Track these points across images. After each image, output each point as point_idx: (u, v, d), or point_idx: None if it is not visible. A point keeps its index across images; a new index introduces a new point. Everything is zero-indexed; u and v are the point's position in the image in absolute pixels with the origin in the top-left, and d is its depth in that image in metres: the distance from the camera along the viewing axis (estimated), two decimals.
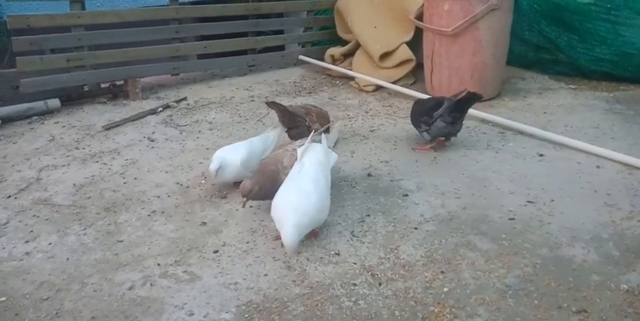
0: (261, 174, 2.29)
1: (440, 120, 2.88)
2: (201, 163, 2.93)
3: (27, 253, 2.13)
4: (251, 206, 2.41)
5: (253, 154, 2.56)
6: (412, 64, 4.41)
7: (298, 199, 2.01)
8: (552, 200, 2.41)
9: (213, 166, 2.44)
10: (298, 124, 2.97)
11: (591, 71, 4.21)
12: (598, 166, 2.73)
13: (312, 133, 2.43)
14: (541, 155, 2.90)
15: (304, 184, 2.08)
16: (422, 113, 3.02)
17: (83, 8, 4.03)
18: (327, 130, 2.81)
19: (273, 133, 2.83)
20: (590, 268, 1.94)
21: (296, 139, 2.95)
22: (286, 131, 3.00)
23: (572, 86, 4.15)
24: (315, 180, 2.12)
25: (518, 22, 4.18)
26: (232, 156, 2.49)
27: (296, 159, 2.25)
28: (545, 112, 3.59)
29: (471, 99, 2.89)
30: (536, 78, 4.41)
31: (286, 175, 2.22)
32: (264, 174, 2.29)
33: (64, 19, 3.92)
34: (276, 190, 2.16)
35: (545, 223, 2.23)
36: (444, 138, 3.03)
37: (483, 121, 3.44)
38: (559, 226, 2.20)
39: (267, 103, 2.95)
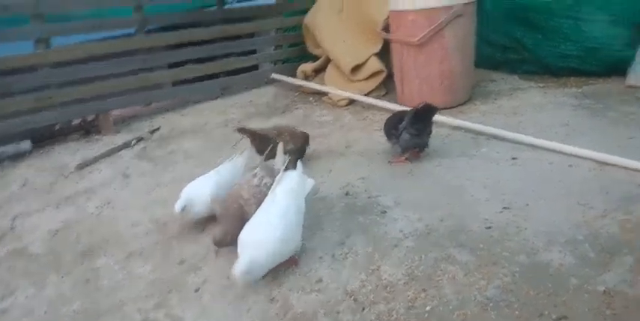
0: (225, 218, 2.25)
1: (405, 132, 2.92)
2: (176, 196, 2.90)
3: (3, 311, 2.10)
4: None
5: (222, 185, 2.53)
6: (383, 75, 4.45)
7: (262, 235, 2.01)
8: (527, 204, 2.43)
9: (177, 206, 2.39)
10: (271, 147, 2.96)
11: (559, 68, 4.26)
12: (570, 165, 2.76)
13: (283, 159, 2.42)
14: (514, 158, 2.92)
15: (272, 218, 2.07)
16: (391, 126, 3.08)
17: (48, 46, 4.01)
18: (272, 154, 2.74)
19: (240, 159, 2.79)
20: (568, 271, 1.95)
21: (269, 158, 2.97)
22: (260, 155, 2.96)
23: (541, 84, 4.19)
24: (285, 212, 2.11)
25: (483, 24, 4.23)
26: (200, 192, 2.46)
27: (255, 187, 2.26)
28: (515, 113, 3.62)
29: (428, 111, 2.93)
30: (505, 79, 4.45)
31: (250, 205, 2.22)
32: (228, 217, 2.25)
33: (31, 59, 3.88)
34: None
35: (522, 229, 2.24)
36: (417, 149, 3.05)
37: (456, 128, 3.46)
38: (535, 231, 2.21)
39: (237, 129, 2.95)
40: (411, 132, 2.92)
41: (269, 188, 2.26)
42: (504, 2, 4.36)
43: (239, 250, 2.03)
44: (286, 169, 2.35)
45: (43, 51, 3.96)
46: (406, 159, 3.06)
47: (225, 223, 2.23)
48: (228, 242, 2.20)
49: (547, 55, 4.27)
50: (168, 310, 2.00)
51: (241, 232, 2.07)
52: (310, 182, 2.39)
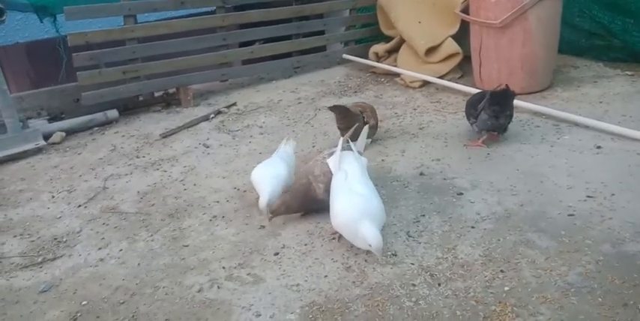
0: (291, 190, 2.38)
1: (483, 113, 2.91)
2: (254, 167, 3.00)
3: (101, 260, 2.28)
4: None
5: (290, 173, 2.57)
6: (459, 58, 4.37)
7: (363, 204, 2.04)
8: (613, 194, 2.36)
9: (262, 204, 2.35)
10: (356, 123, 2.99)
11: None
12: None
13: (341, 140, 2.43)
14: (598, 147, 2.83)
15: (360, 189, 2.11)
16: (470, 106, 3.07)
17: (136, 22, 4.20)
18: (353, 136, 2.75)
19: (289, 148, 2.76)
20: None
21: (351, 139, 3.04)
22: (342, 130, 3.03)
23: (629, 73, 3.99)
24: (366, 184, 2.15)
25: (568, 8, 4.05)
26: (276, 186, 2.42)
27: (327, 167, 2.31)
28: (600, 102, 3.48)
29: (505, 94, 2.89)
30: (589, 66, 4.26)
31: (320, 183, 2.30)
32: (293, 190, 2.37)
33: (119, 34, 4.10)
34: (308, 202, 2.31)
35: (607, 218, 2.19)
36: (495, 132, 3.00)
37: (536, 113, 3.37)
38: (621, 221, 2.15)
39: (329, 107, 3.02)
40: (489, 113, 2.89)
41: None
42: None
43: (336, 222, 2.10)
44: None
45: (131, 26, 4.15)
46: (483, 142, 3.02)
47: (284, 197, 2.35)
48: (282, 212, 2.34)
49: (637, 42, 4.03)
50: (250, 269, 2.10)
51: (333, 206, 2.11)
52: (364, 160, 2.41)
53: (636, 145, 2.79)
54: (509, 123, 3.00)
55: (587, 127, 3.07)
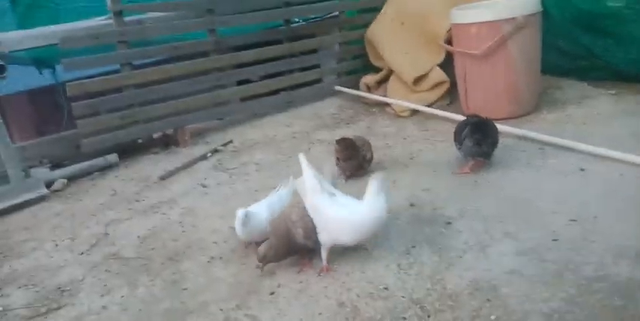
0: (273, 236, 2.34)
1: (466, 140, 3.03)
2: (250, 205, 3.09)
3: (104, 307, 2.35)
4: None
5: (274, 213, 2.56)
6: (446, 86, 4.50)
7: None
8: (595, 217, 2.42)
9: (239, 212, 2.44)
10: (355, 156, 3.21)
11: (632, 75, 4.14)
12: None
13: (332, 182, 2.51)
14: (582, 170, 2.90)
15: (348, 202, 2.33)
16: (457, 133, 3.19)
17: (132, 68, 4.36)
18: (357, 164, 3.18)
19: (285, 192, 2.74)
20: (637, 286, 1.94)
21: (351, 171, 3.25)
22: (341, 162, 3.24)
23: (612, 92, 4.09)
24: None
25: (550, 31, 4.19)
26: (257, 217, 2.50)
27: (304, 209, 2.33)
28: (584, 123, 3.57)
29: (484, 123, 3.02)
30: (574, 86, 4.37)
31: (297, 228, 2.32)
32: (276, 235, 2.33)
33: (116, 81, 4.26)
34: (292, 249, 2.35)
35: (589, 242, 2.25)
36: (481, 158, 3.10)
37: (522, 137, 3.46)
38: (603, 245, 2.21)
39: (337, 140, 3.23)
40: (472, 141, 3.02)
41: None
42: (571, 9, 4.28)
43: (330, 227, 2.27)
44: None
45: (127, 73, 4.32)
46: (470, 169, 3.12)
47: (270, 240, 2.32)
48: (270, 258, 2.32)
49: (619, 62, 4.14)
50: (246, 310, 2.16)
51: (325, 215, 2.28)
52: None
53: (619, 167, 2.86)
54: (493, 150, 3.11)
55: (571, 149, 3.15)
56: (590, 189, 2.69)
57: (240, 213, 2.45)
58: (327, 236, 2.30)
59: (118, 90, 4.29)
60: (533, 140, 3.40)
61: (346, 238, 2.30)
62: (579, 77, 4.48)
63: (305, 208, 2.36)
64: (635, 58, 4.06)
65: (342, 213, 2.27)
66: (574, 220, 2.43)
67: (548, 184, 2.82)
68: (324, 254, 2.34)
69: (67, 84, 3.99)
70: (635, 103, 3.80)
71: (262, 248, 2.31)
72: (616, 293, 1.92)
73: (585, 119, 3.64)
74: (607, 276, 2.03)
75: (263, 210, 2.57)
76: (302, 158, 2.41)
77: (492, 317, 1.91)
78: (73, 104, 4.03)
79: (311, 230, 2.32)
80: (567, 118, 3.73)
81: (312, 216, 2.31)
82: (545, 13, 3.95)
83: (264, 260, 2.32)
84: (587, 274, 2.05)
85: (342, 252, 2.48)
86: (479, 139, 2.99)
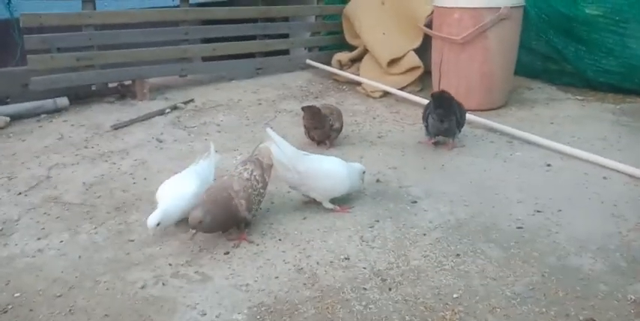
0: (211, 203, 2.08)
1: (430, 116, 3.07)
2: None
3: (39, 250, 2.15)
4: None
5: (202, 187, 2.27)
6: (420, 71, 4.45)
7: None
8: (560, 210, 2.43)
9: (150, 222, 2.07)
10: (323, 125, 3.13)
11: (598, 83, 4.24)
12: (605, 178, 2.75)
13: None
14: (548, 165, 2.92)
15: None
16: (425, 110, 3.21)
17: (94, 8, 4.06)
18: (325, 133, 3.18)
19: (207, 162, 2.51)
20: (598, 277, 1.96)
21: (319, 140, 3.17)
22: (308, 131, 3.18)
23: (579, 97, 4.18)
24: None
25: (526, 32, 4.22)
26: (177, 202, 2.18)
27: (246, 180, 2.19)
28: (552, 123, 3.61)
29: (443, 97, 3.02)
30: (543, 88, 4.44)
31: (240, 198, 2.12)
32: (215, 202, 2.08)
33: (75, 19, 3.95)
34: (231, 220, 2.12)
35: (553, 233, 2.25)
36: (446, 136, 3.17)
37: (491, 129, 3.46)
38: (567, 236, 2.22)
39: (302, 107, 3.10)
40: (434, 117, 3.04)
41: (258, 181, 2.22)
42: (548, 11, 4.33)
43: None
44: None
45: (89, 11, 4.01)
46: (434, 143, 3.19)
47: (208, 206, 2.06)
48: (206, 225, 2.05)
49: (587, 69, 4.24)
50: (198, 268, 2.03)
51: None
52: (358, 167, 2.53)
53: (584, 165, 2.90)
54: (459, 129, 3.14)
55: (538, 145, 3.18)
56: (556, 183, 2.71)
57: (151, 223, 2.07)
58: (326, 193, 2.41)
59: (77, 29, 3.97)
60: (502, 133, 3.40)
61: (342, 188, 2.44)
62: (549, 80, 4.57)
63: (246, 179, 2.20)
64: (602, 68, 4.17)
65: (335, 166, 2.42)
66: (539, 211, 2.43)
67: (514, 175, 2.82)
68: (328, 205, 2.43)
69: (21, 14, 3.65)
70: (600, 110, 3.88)
71: (198, 213, 2.02)
72: (578, 283, 1.92)
73: (553, 119, 3.69)
74: (569, 266, 2.03)
75: (192, 183, 2.27)
76: (271, 132, 2.32)
77: (455, 295, 1.87)
78: (25, 37, 3.70)
79: (252, 203, 2.19)
80: (535, 117, 3.77)
81: (303, 182, 2.34)
82: (524, 13, 3.96)
83: (199, 226, 2.04)
84: (551, 263, 2.04)
85: (302, 220, 2.38)
86: (441, 114, 3.01)
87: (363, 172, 2.53)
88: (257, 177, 2.25)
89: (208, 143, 3.25)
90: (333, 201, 2.44)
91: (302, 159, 2.36)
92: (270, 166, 2.33)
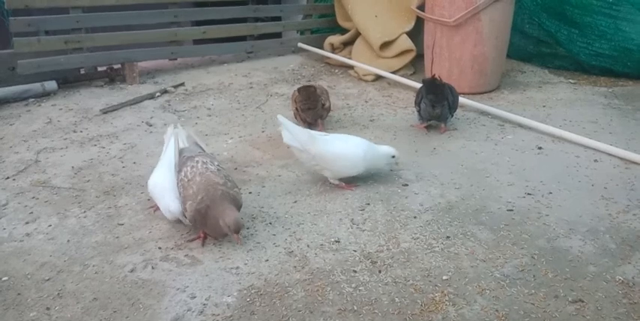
0: (222, 204, 1.98)
1: (422, 102, 3.08)
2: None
3: (27, 234, 2.13)
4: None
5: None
6: (412, 55, 4.41)
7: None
8: (550, 193, 2.44)
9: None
10: (316, 105, 3.12)
11: (590, 66, 4.22)
12: (595, 160, 2.76)
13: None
14: (540, 148, 2.92)
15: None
16: (417, 94, 3.21)
17: None
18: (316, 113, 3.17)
19: (172, 140, 2.37)
20: (587, 259, 1.97)
21: (310, 120, 3.15)
22: (300, 112, 3.14)
23: (572, 81, 4.16)
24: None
25: (518, 15, 4.18)
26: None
27: (218, 171, 2.10)
28: (544, 106, 3.60)
29: (435, 84, 3.01)
30: (535, 71, 4.42)
31: (231, 188, 2.05)
32: (223, 203, 1.99)
33: (63, 1, 3.86)
34: (240, 207, 2.07)
35: (543, 215, 2.26)
36: (437, 121, 3.16)
37: (483, 113, 3.45)
38: (556, 218, 2.23)
39: (298, 89, 3.09)
40: (426, 102, 3.04)
41: (220, 170, 2.14)
42: None
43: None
44: None
45: None
46: (426, 127, 3.18)
47: (225, 209, 1.97)
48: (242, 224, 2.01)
49: (580, 52, 4.22)
50: (187, 251, 2.02)
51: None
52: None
53: (575, 148, 2.90)
54: (451, 113, 3.15)
55: (530, 128, 3.17)
56: (547, 166, 2.71)
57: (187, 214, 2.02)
58: (337, 174, 2.47)
59: (65, 11, 3.89)
60: (494, 116, 3.39)
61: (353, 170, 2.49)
62: (541, 64, 4.55)
63: (217, 169, 2.11)
64: (595, 51, 4.14)
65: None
66: (529, 194, 2.43)
67: (505, 158, 2.82)
68: (335, 182, 2.50)
69: None
70: (591, 93, 3.87)
71: (237, 218, 1.95)
72: (567, 265, 1.93)
73: (545, 102, 3.68)
74: (559, 248, 2.03)
75: (171, 176, 2.21)
76: (281, 118, 2.42)
77: (444, 277, 1.88)
78: (10, 19, 3.62)
79: (235, 184, 2.14)
80: (528, 100, 3.75)
81: (316, 162, 2.42)
82: None
83: (241, 229, 2.00)
84: (541, 245, 2.05)
85: (293, 204, 2.37)
86: (433, 100, 3.01)
87: (393, 157, 2.51)
88: (218, 165, 2.17)
89: (199, 128, 3.26)
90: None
91: (315, 141, 2.42)
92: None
